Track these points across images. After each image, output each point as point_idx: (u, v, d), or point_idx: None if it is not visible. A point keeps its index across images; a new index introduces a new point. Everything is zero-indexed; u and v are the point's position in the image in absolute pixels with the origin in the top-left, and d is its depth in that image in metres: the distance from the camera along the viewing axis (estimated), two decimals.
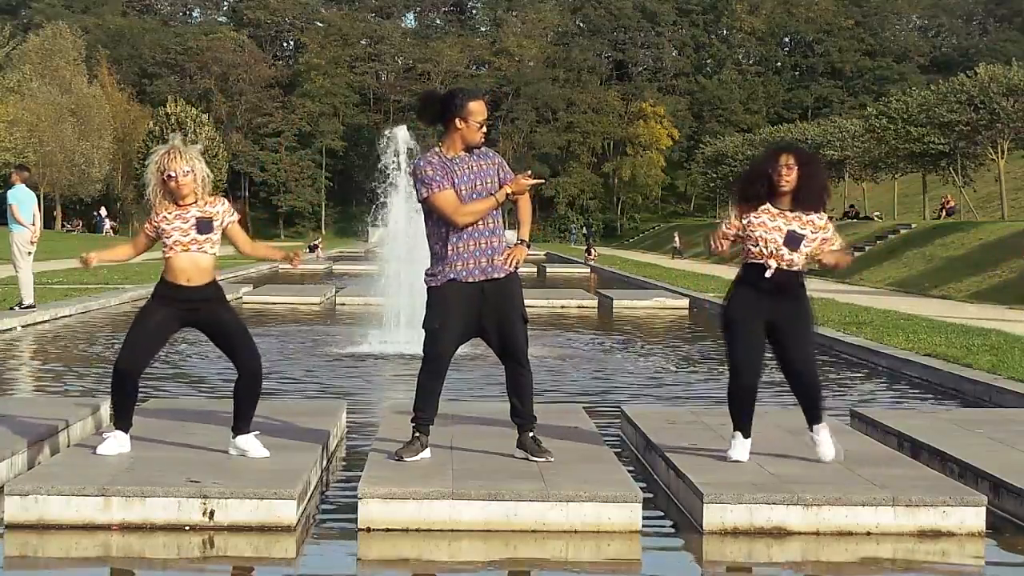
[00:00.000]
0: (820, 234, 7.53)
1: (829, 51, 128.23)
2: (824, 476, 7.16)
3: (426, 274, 7.47)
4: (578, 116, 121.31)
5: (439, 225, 7.37)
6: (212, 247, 7.39)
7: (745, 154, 78.73)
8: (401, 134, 20.11)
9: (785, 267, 7.45)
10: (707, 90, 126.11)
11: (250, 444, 7.45)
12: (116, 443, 7.43)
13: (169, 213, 7.33)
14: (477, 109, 7.31)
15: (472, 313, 7.33)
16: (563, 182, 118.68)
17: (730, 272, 39.03)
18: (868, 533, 6.64)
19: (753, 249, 7.48)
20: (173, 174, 7.26)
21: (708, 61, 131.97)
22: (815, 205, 7.51)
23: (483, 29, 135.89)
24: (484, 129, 7.35)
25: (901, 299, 27.08)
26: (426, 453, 7.41)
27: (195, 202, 7.36)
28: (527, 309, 7.54)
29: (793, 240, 7.44)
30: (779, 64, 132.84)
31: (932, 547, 6.54)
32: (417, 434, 7.45)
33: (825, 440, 7.62)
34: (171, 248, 7.32)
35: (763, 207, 7.51)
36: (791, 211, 7.49)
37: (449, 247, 7.31)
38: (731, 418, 7.65)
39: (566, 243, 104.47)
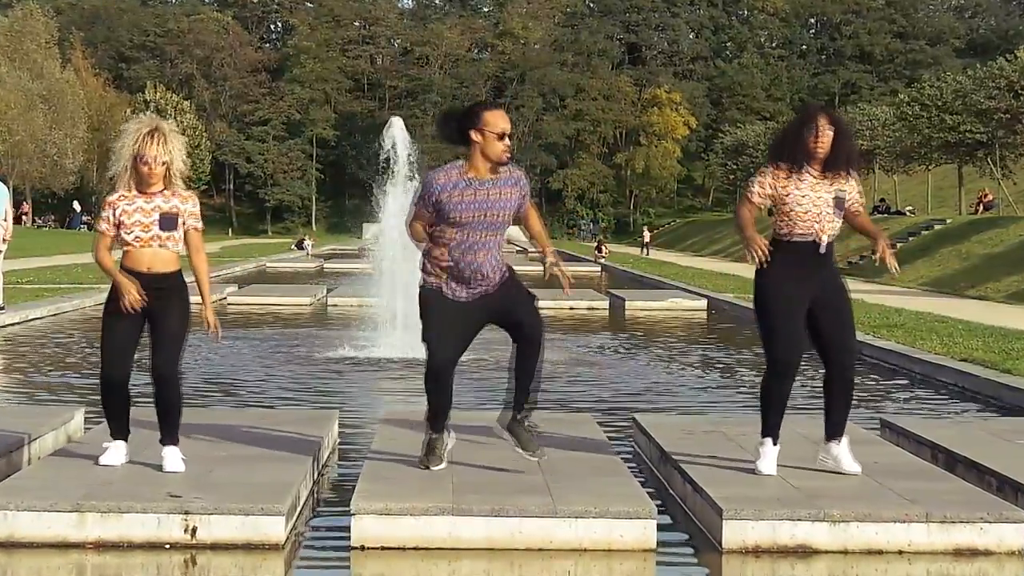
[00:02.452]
0: (853, 195, 7.53)
1: (858, 33, 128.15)
2: (852, 490, 7.16)
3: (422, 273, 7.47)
4: (588, 103, 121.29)
5: (442, 238, 7.30)
6: (175, 244, 7.34)
7: (768, 144, 78.68)
8: (399, 124, 20.13)
9: (831, 236, 7.45)
10: (727, 75, 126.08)
11: (167, 456, 7.40)
12: (116, 453, 7.47)
13: (130, 204, 7.26)
14: (493, 119, 7.21)
15: (468, 322, 7.36)
16: (572, 174, 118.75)
17: (744, 270, 38.83)
18: (900, 552, 6.64)
19: (800, 223, 7.38)
20: (148, 159, 7.22)
21: (728, 44, 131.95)
22: (849, 168, 7.49)
23: (486, 9, 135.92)
24: (507, 142, 7.22)
25: (935, 300, 27.08)
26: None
27: (162, 191, 7.30)
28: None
29: (839, 204, 7.45)
30: (804, 47, 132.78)
31: (969, 567, 6.53)
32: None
33: (847, 454, 7.60)
34: (130, 244, 7.29)
35: (799, 175, 7.43)
36: (825, 175, 7.45)
37: (446, 259, 7.28)
38: (762, 418, 7.57)
39: (574, 240, 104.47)
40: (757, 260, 7.39)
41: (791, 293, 7.40)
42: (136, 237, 7.26)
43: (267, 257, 50.85)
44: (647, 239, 70.00)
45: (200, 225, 7.45)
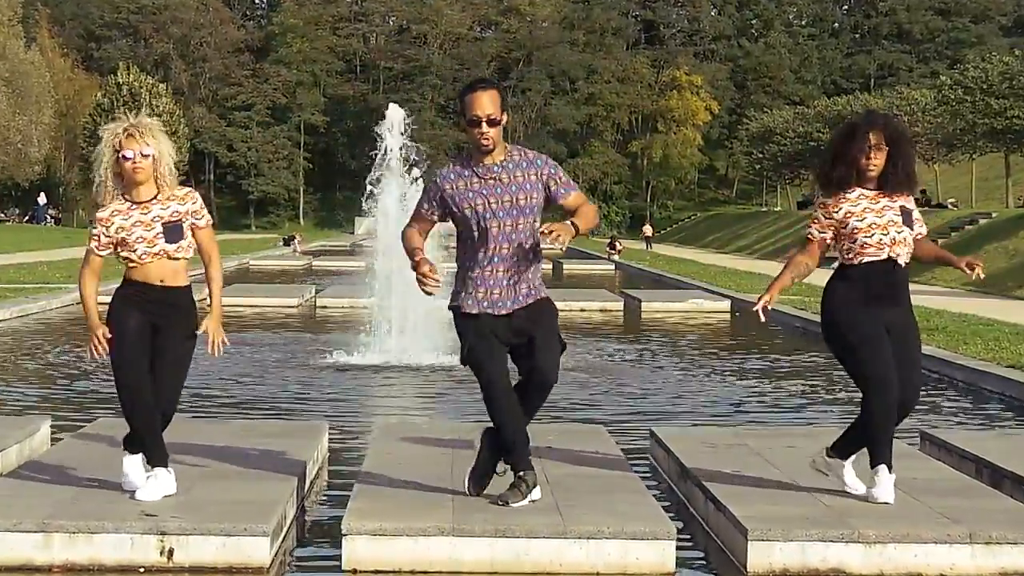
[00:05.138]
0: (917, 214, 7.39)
1: (895, 9, 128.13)
2: (889, 509, 7.14)
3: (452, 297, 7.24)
4: (600, 86, 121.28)
5: (465, 243, 7.14)
6: (186, 252, 7.18)
7: (796, 131, 78.71)
8: (397, 113, 20.12)
9: (906, 256, 7.29)
10: (752, 56, 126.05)
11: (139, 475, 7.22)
12: (159, 483, 7.13)
13: (126, 219, 7.07)
14: (467, 104, 7.04)
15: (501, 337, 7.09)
16: (583, 163, 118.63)
17: (772, 268, 38.85)
18: (941, 575, 6.65)
19: (868, 241, 7.22)
20: (130, 154, 7.01)
21: (753, 22, 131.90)
22: (907, 189, 7.33)
23: None
24: (486, 129, 6.96)
25: (979, 301, 27.06)
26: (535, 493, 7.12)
27: (155, 197, 7.14)
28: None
29: (908, 217, 7.30)
30: (836, 25, 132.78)
31: None
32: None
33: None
34: (136, 261, 7.10)
35: (855, 192, 7.29)
36: (882, 194, 7.29)
37: (477, 271, 7.07)
38: (875, 446, 7.27)
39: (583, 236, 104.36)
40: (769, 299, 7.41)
41: (868, 317, 7.24)
42: (142, 254, 7.10)
43: (251, 254, 50.88)
44: (648, 233, 72.48)
45: (207, 220, 7.30)
